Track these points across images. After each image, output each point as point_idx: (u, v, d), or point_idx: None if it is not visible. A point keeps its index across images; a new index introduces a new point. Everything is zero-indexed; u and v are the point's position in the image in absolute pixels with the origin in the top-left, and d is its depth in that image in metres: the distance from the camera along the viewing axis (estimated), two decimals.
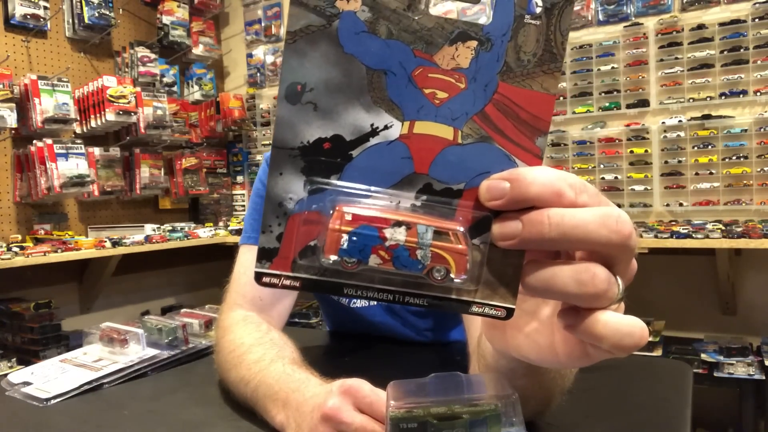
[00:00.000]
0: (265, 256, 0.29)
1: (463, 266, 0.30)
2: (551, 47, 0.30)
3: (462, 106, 0.30)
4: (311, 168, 0.29)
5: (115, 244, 2.58)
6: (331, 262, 0.29)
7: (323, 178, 0.29)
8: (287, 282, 0.30)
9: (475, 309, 0.31)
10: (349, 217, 0.29)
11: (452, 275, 0.30)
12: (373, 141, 0.30)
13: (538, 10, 0.29)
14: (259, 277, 0.30)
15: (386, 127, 0.30)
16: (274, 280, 0.30)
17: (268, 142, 3.51)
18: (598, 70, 2.54)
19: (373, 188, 0.30)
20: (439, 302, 0.30)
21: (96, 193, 2.83)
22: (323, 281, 0.30)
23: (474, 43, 0.29)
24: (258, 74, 3.55)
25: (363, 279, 0.30)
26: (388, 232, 0.29)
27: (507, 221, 0.30)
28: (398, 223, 0.29)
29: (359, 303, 0.99)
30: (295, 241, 0.30)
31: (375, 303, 0.99)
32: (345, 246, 0.29)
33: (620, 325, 0.30)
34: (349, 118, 0.29)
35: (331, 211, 0.29)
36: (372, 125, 0.29)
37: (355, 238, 0.29)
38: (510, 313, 0.31)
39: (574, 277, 0.29)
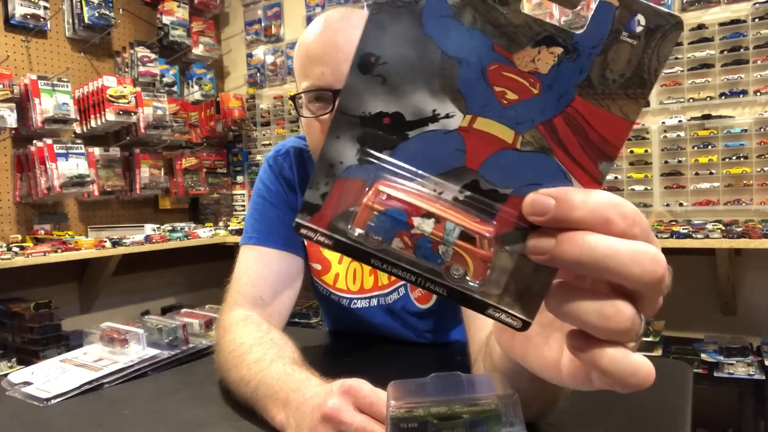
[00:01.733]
0: (307, 209, 0.30)
1: (481, 272, 0.29)
2: (642, 71, 0.28)
3: (529, 111, 0.29)
4: (366, 139, 0.29)
5: (115, 244, 2.58)
6: (356, 234, 0.29)
7: (375, 151, 0.29)
8: (321, 238, 0.30)
9: (491, 312, 0.30)
10: (383, 197, 0.29)
11: (468, 278, 0.29)
12: (432, 127, 0.29)
13: (639, 29, 0.27)
14: (298, 227, 0.30)
15: (447, 116, 0.29)
16: (310, 234, 0.30)
17: (268, 142, 3.51)
18: None
19: (419, 172, 0.29)
20: (459, 296, 0.30)
21: (96, 193, 2.83)
22: (353, 247, 0.30)
23: (559, 50, 0.28)
24: (258, 74, 3.55)
25: (390, 255, 0.30)
26: (416, 221, 0.29)
27: (543, 236, 0.29)
28: (428, 215, 0.29)
29: (359, 303, 0.99)
30: (336, 203, 0.30)
31: (375, 304, 0.99)
32: (373, 223, 0.29)
33: (627, 363, 0.29)
34: (414, 99, 0.29)
35: (369, 187, 0.29)
36: (434, 111, 0.29)
37: (383, 218, 0.29)
38: (526, 325, 0.30)
39: (599, 309, 0.29)
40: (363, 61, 0.29)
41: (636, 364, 0.29)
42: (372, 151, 0.29)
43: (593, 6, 0.27)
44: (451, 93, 0.29)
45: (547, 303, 0.30)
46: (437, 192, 0.30)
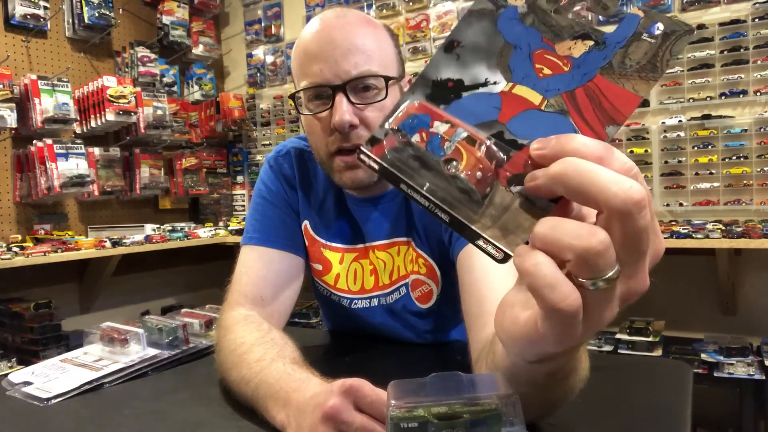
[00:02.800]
0: (371, 141, 0.38)
1: (471, 166, 0.36)
2: (656, 61, 0.35)
3: (558, 83, 0.36)
4: (432, 96, 0.38)
5: (115, 244, 2.58)
6: (387, 128, 0.38)
7: (433, 104, 0.38)
8: (371, 163, 0.38)
9: (481, 243, 0.36)
10: (420, 105, 0.38)
11: (460, 168, 0.36)
12: (481, 90, 0.37)
13: (658, 32, 0.35)
14: (360, 153, 0.38)
15: (494, 83, 0.37)
16: (366, 159, 0.38)
17: (268, 142, 3.51)
18: None
19: (459, 120, 0.37)
20: (457, 225, 0.36)
21: (96, 193, 2.83)
22: (391, 172, 0.37)
23: (591, 42, 0.36)
24: (258, 74, 3.55)
25: (416, 182, 0.37)
26: (435, 124, 0.37)
27: (540, 167, 0.34)
28: (447, 121, 0.37)
29: (360, 304, 0.99)
30: (393, 140, 0.38)
31: (376, 304, 0.99)
32: (406, 121, 0.38)
33: (551, 277, 0.32)
34: (474, 70, 0.38)
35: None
36: (486, 79, 0.37)
37: (413, 119, 0.38)
38: (507, 258, 0.35)
39: (576, 230, 0.32)
40: (448, 43, 0.38)
41: (559, 282, 0.32)
42: (431, 103, 0.38)
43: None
44: (502, 67, 0.37)
45: (534, 232, 0.33)
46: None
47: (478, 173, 0.36)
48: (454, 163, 0.36)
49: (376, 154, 0.38)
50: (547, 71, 0.36)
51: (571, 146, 0.33)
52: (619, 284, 0.33)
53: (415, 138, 0.37)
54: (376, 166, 0.38)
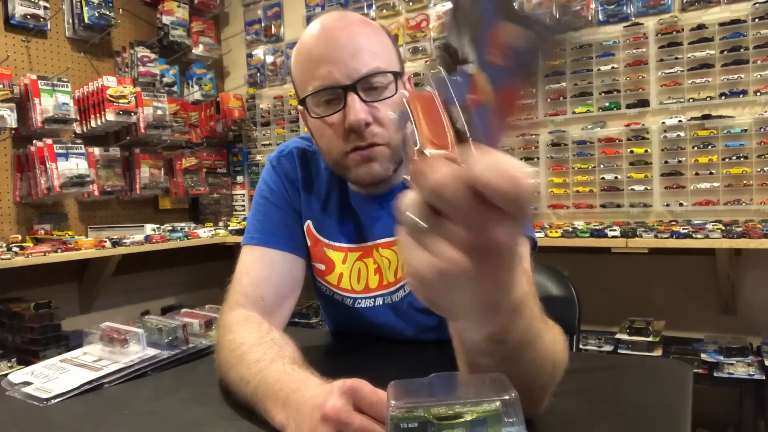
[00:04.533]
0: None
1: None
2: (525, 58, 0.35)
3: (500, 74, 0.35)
4: (441, 60, 0.37)
5: (115, 244, 2.58)
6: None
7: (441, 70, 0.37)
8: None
9: None
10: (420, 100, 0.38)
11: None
12: (465, 68, 0.36)
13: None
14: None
15: (469, 63, 0.35)
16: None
17: (268, 142, 3.51)
18: (598, 70, 2.54)
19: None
20: None
21: (96, 193, 2.82)
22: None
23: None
24: (258, 74, 3.55)
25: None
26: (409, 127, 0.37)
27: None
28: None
29: (364, 303, 0.99)
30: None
31: (380, 303, 0.98)
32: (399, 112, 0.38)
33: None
34: (463, 42, 0.36)
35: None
36: (467, 56, 0.35)
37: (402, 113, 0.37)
38: None
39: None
40: None
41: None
42: (438, 70, 0.37)
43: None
44: (474, 45, 0.35)
45: None
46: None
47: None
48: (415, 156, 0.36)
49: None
50: (496, 58, 0.34)
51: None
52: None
53: (400, 130, 0.38)
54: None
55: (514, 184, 0.32)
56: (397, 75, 0.86)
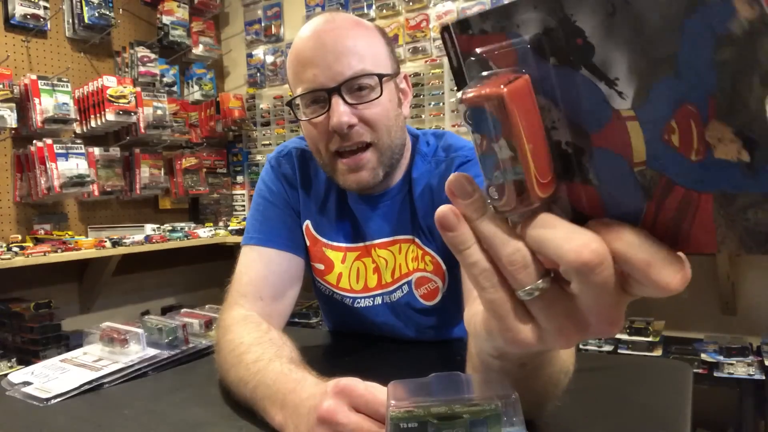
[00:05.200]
0: (463, 26, 0.30)
1: (506, 209, 0.30)
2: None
3: (670, 163, 0.26)
4: (551, 35, 0.27)
5: (115, 244, 2.57)
6: (459, 98, 0.29)
7: (549, 51, 0.28)
8: (452, 54, 0.31)
9: None
10: (502, 104, 0.27)
11: (498, 204, 0.30)
12: (600, 85, 0.27)
13: None
14: (446, 29, 0.30)
15: (620, 93, 0.26)
16: (448, 43, 0.30)
17: (268, 142, 3.51)
18: None
19: (556, 100, 0.29)
20: None
21: (96, 193, 2.82)
22: (462, 83, 0.30)
23: (745, 157, 0.24)
24: (258, 74, 3.55)
25: (476, 112, 0.29)
26: (501, 142, 0.28)
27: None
28: (513, 148, 0.28)
29: (363, 303, 1.00)
30: (482, 46, 0.29)
31: (380, 302, 0.99)
32: (473, 110, 0.28)
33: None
34: (615, 53, 0.26)
35: (514, 82, 0.28)
36: (616, 79, 0.26)
37: (487, 116, 0.28)
38: None
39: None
40: None
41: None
42: (547, 47, 0.27)
43: None
44: (642, 83, 0.25)
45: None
46: (550, 125, 0.29)
47: (506, 215, 0.31)
48: (495, 193, 0.30)
49: (460, 47, 0.30)
50: (675, 140, 0.25)
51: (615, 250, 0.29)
52: (576, 312, 0.31)
53: (475, 139, 0.29)
54: (454, 63, 0.31)
55: (679, 279, 0.28)
56: (385, 76, 0.86)
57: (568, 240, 0.28)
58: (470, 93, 0.28)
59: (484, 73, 0.29)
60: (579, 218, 0.30)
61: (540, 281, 0.31)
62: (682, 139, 0.25)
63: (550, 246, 0.29)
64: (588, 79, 0.27)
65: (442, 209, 0.32)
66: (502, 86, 0.27)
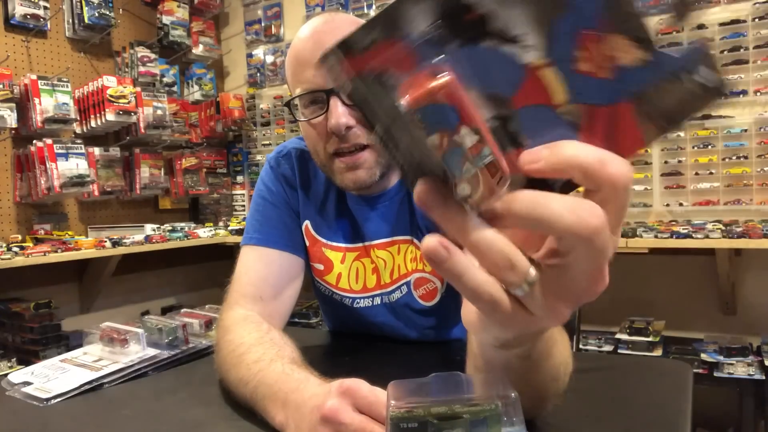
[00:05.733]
0: (347, 46, 0.27)
1: (483, 200, 0.29)
2: (679, 113, 0.30)
3: (589, 88, 0.29)
4: (445, 18, 0.27)
5: (115, 244, 2.58)
6: (403, 106, 0.27)
7: (446, 36, 0.27)
8: (342, 80, 0.28)
9: None
10: (451, 90, 0.26)
11: (470, 200, 0.29)
12: (506, 48, 0.28)
13: (701, 81, 0.29)
14: (325, 57, 0.27)
15: (525, 47, 0.28)
16: (335, 69, 0.27)
17: (268, 142, 3.51)
18: None
19: (470, 80, 0.28)
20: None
21: (96, 193, 2.82)
22: (367, 107, 0.28)
23: (643, 56, 0.29)
24: (258, 74, 3.55)
25: (397, 140, 0.28)
26: (463, 130, 0.27)
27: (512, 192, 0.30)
28: (476, 131, 0.27)
29: (362, 303, 1.00)
30: (380, 59, 0.27)
31: (378, 302, 0.99)
32: (428, 109, 0.26)
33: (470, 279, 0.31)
34: (509, 11, 0.27)
35: (438, 73, 0.27)
36: (516, 36, 0.28)
37: (437, 110, 0.26)
38: None
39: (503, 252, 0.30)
40: None
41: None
42: (444, 33, 0.27)
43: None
44: (543, 29, 0.28)
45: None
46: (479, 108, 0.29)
47: (484, 203, 0.29)
48: (466, 189, 0.28)
49: (351, 68, 0.27)
50: (585, 66, 0.29)
51: (564, 159, 0.29)
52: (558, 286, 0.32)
53: (432, 140, 0.27)
54: (348, 89, 0.28)
55: (629, 169, 0.30)
56: None
57: (570, 212, 0.28)
58: (416, 93, 0.26)
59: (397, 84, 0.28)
60: (533, 184, 0.30)
61: (529, 275, 0.31)
62: (591, 63, 0.28)
63: (551, 222, 0.29)
64: (492, 49, 0.28)
65: (428, 243, 0.30)
66: (439, 77, 0.26)
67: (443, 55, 0.27)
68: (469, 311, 0.38)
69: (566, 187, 0.31)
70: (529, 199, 0.29)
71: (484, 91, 0.28)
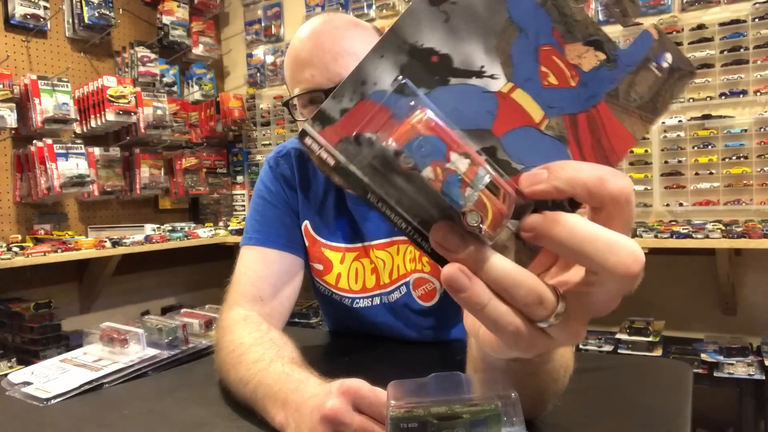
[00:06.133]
0: (320, 119, 0.29)
1: (496, 224, 0.29)
2: (657, 101, 0.31)
3: (562, 100, 0.30)
4: (409, 69, 0.29)
5: (115, 244, 2.58)
6: (389, 149, 0.28)
7: (413, 85, 0.29)
8: (324, 155, 0.29)
9: None
10: (431, 123, 0.28)
11: (483, 226, 0.28)
12: (473, 81, 0.30)
13: (665, 65, 0.31)
14: (303, 134, 0.29)
15: (492, 77, 0.30)
16: (314, 146, 0.29)
17: (268, 142, 3.51)
18: None
19: (447, 120, 0.29)
20: (438, 259, 0.30)
21: (96, 193, 2.82)
22: (354, 174, 0.29)
23: (603, 56, 0.30)
24: (258, 74, 3.55)
25: (391, 196, 0.29)
26: (453, 156, 0.27)
27: (534, 214, 0.30)
28: (466, 155, 0.27)
29: (362, 303, 1.00)
30: (354, 123, 0.29)
31: (378, 302, 0.99)
32: (414, 144, 0.27)
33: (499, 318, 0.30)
34: (467, 48, 0.29)
35: (415, 110, 0.28)
36: (482, 67, 0.29)
37: (424, 142, 0.27)
38: None
39: (532, 286, 0.30)
40: None
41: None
42: (410, 83, 0.29)
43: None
44: (503, 56, 0.30)
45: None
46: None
47: (498, 229, 0.29)
48: (477, 217, 0.28)
49: (329, 141, 0.29)
50: (552, 80, 0.30)
51: (564, 180, 0.29)
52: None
53: (427, 173, 0.27)
54: (330, 161, 0.29)
55: (627, 182, 0.30)
56: None
57: (614, 251, 0.28)
58: (398, 132, 0.27)
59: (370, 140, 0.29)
60: (540, 204, 0.31)
61: (558, 309, 0.31)
62: (557, 75, 0.30)
63: (595, 257, 0.28)
64: (460, 85, 0.29)
65: (448, 271, 0.29)
66: (415, 114, 0.28)
67: (413, 102, 0.29)
68: (479, 329, 0.37)
69: (572, 204, 0.32)
70: (572, 225, 0.29)
71: (464, 127, 0.30)
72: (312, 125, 0.29)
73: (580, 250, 0.29)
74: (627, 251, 0.28)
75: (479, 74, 0.29)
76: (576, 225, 0.29)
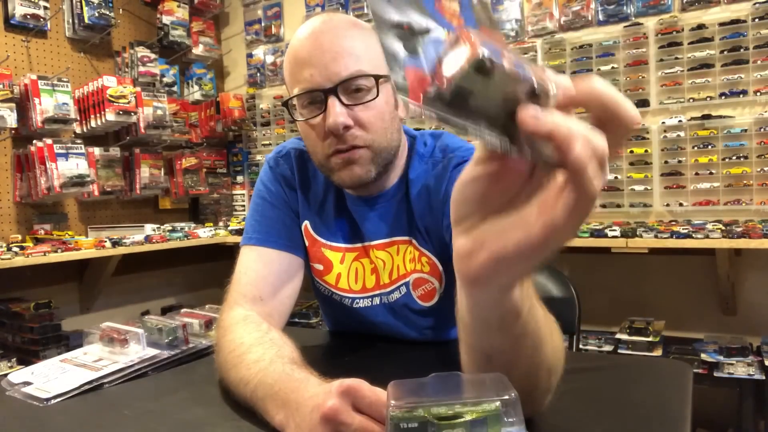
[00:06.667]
0: (399, 89, 0.34)
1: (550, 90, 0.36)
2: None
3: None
4: (401, 38, 0.35)
5: (115, 244, 2.58)
6: (486, 52, 0.33)
7: (410, 48, 0.34)
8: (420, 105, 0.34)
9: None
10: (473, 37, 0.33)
11: (551, 90, 0.35)
12: (432, 36, 0.34)
13: None
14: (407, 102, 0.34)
15: (433, 30, 0.35)
16: (413, 108, 0.34)
17: (268, 142, 3.51)
18: (598, 70, 2.54)
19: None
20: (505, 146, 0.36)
21: (96, 193, 2.83)
22: (448, 111, 0.34)
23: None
24: (258, 74, 3.55)
25: (471, 119, 0.34)
26: (505, 53, 0.34)
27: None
28: (509, 49, 0.34)
29: (362, 303, 1.00)
30: (417, 81, 0.34)
31: (378, 302, 0.99)
32: (485, 45, 0.33)
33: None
34: (410, 14, 0.35)
35: (447, 46, 0.34)
36: (426, 25, 0.35)
37: (487, 46, 0.33)
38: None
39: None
40: None
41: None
42: (413, 46, 0.34)
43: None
44: (423, 12, 0.35)
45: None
46: None
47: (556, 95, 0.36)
48: (553, 86, 0.35)
49: (418, 104, 0.34)
50: (455, 21, 0.35)
51: (597, 91, 0.36)
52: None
53: (506, 62, 0.33)
54: (446, 90, 0.34)
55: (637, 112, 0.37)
56: (381, 78, 0.86)
57: (630, 107, 0.36)
58: (470, 42, 0.33)
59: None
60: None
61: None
62: (452, 16, 0.35)
63: (623, 104, 0.36)
64: (429, 43, 0.34)
65: (525, 114, 0.34)
66: (472, 38, 0.34)
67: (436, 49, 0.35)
68: (475, 262, 0.41)
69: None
70: (598, 86, 0.36)
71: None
72: (399, 96, 0.35)
73: (610, 101, 0.36)
74: (635, 110, 0.37)
75: (427, 31, 0.35)
76: (604, 87, 0.36)
